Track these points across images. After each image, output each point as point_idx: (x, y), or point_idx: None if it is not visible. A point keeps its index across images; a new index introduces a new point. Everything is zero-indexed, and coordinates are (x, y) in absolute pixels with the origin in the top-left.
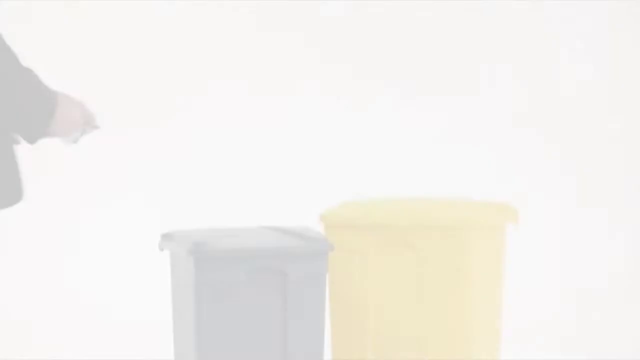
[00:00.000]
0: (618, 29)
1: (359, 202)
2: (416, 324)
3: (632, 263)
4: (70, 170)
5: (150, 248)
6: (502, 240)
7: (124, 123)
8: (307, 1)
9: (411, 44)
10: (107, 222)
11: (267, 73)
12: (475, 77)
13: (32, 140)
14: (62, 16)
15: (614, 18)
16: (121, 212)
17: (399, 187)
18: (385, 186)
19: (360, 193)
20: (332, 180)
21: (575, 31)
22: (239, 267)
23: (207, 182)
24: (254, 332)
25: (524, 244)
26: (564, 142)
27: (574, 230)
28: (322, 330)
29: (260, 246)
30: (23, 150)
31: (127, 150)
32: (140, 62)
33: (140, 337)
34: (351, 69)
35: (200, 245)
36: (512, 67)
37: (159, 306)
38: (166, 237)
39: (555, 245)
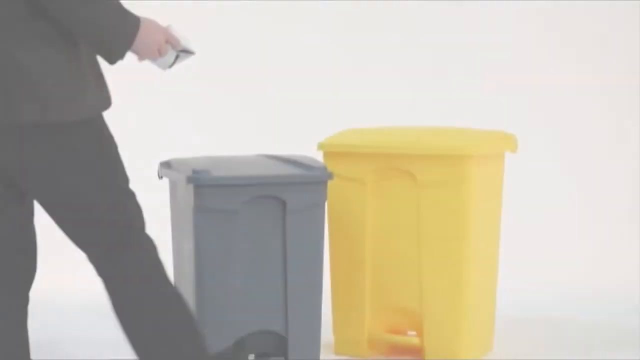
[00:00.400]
0: None
1: (358, 130)
2: (414, 251)
3: (635, 185)
4: None
5: (149, 176)
6: (501, 168)
7: None
8: None
9: None
10: None
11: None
12: (478, 10)
13: (112, 60)
14: None
15: None
16: (118, 140)
17: (398, 117)
18: (384, 115)
19: (359, 121)
20: (331, 108)
21: None
22: (238, 195)
23: (205, 111)
24: (252, 261)
25: (523, 172)
26: (563, 72)
27: (574, 158)
28: (320, 258)
29: (260, 174)
30: None
31: (125, 77)
32: None
33: None
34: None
35: (199, 173)
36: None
37: (157, 234)
38: (165, 166)
39: (553, 173)
